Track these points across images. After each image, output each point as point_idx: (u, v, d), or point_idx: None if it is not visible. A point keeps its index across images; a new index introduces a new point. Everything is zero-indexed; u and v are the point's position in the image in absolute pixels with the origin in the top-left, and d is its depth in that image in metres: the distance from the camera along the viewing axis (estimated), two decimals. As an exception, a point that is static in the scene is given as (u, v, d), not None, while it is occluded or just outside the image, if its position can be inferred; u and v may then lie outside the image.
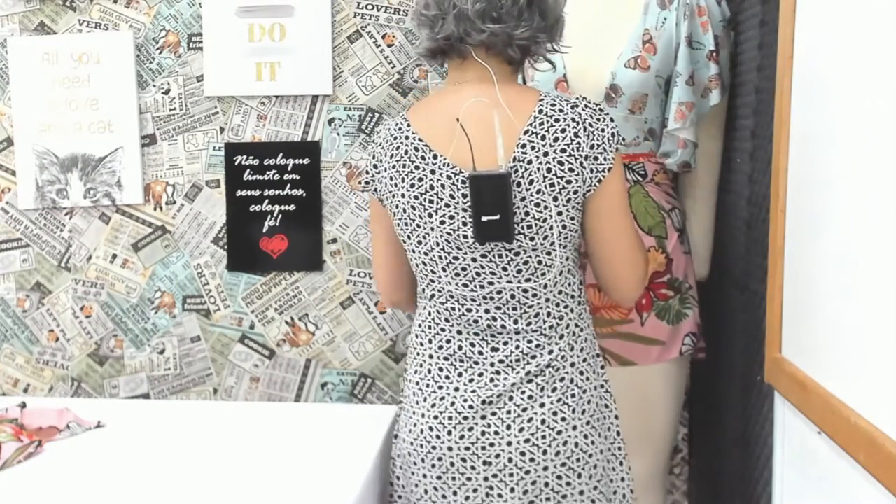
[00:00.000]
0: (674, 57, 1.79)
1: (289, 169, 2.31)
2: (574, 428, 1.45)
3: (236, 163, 2.32)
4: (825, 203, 1.22)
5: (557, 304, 1.47)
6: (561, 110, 1.41)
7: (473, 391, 1.47)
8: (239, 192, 2.33)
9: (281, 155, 2.32)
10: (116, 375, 2.41)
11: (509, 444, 1.45)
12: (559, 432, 1.44)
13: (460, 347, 1.49)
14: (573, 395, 1.46)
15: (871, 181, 1.06)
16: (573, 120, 1.40)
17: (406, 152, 1.48)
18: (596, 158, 1.41)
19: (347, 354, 2.36)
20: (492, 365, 1.47)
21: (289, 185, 2.32)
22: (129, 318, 2.40)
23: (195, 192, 2.35)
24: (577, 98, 1.44)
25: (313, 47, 2.27)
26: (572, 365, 1.47)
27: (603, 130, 1.41)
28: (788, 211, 1.38)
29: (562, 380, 1.45)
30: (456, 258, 1.47)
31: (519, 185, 1.40)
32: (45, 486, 1.53)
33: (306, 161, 2.31)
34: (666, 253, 1.82)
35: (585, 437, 1.46)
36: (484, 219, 1.40)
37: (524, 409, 1.45)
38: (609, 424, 1.52)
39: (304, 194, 2.31)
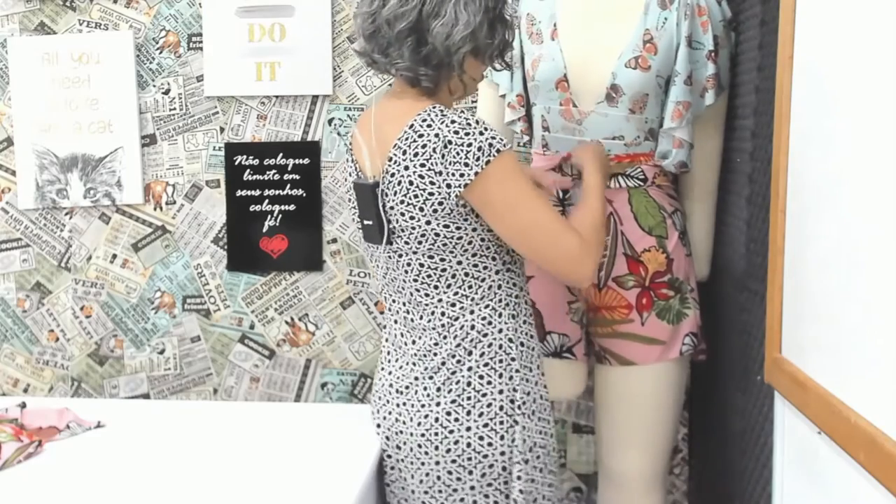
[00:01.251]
0: (674, 57, 1.79)
1: (289, 169, 2.31)
2: (468, 429, 1.49)
3: (236, 163, 2.33)
4: (825, 203, 1.22)
5: (453, 305, 1.51)
6: (429, 126, 1.43)
7: (398, 378, 1.58)
8: (239, 192, 2.33)
9: (281, 155, 2.32)
10: (116, 375, 2.41)
11: (411, 434, 1.54)
12: (451, 431, 1.50)
13: (394, 335, 1.60)
14: (469, 398, 1.50)
15: (871, 181, 1.06)
16: (436, 136, 1.42)
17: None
18: (451, 174, 1.42)
19: (347, 354, 2.36)
20: (411, 356, 1.55)
21: (289, 185, 2.32)
22: (129, 318, 2.40)
23: (195, 192, 2.35)
24: (459, 114, 1.44)
25: (313, 47, 2.27)
26: (469, 369, 1.50)
27: (469, 146, 1.41)
28: (788, 211, 1.38)
29: (457, 382, 1.51)
30: (371, 253, 1.61)
31: (385, 194, 1.47)
32: (45, 486, 1.53)
33: (306, 161, 2.31)
34: (666, 253, 1.82)
35: (481, 438, 1.49)
36: (365, 222, 1.55)
37: (423, 406, 1.52)
38: (520, 430, 1.51)
39: (304, 194, 2.31)
